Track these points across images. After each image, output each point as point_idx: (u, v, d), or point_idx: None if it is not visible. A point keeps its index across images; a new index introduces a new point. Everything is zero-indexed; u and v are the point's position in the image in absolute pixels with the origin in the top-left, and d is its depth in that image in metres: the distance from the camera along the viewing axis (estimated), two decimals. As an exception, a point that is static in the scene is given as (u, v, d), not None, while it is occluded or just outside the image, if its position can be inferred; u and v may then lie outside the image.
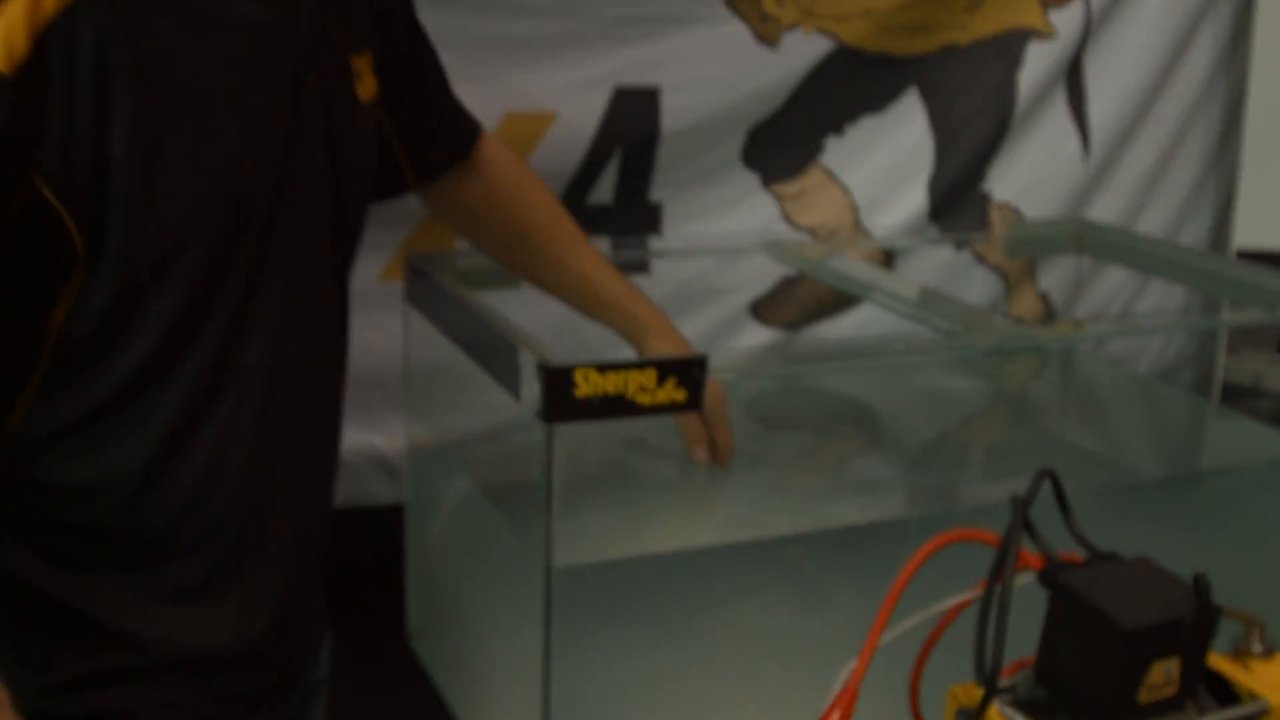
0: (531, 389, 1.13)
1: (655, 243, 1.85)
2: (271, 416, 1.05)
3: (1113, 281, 2.17)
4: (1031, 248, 2.05)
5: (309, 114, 1.03)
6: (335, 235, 1.11)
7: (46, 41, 0.86)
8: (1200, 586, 0.80)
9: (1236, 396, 2.23)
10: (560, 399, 1.11)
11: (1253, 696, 0.82)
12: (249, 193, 0.99)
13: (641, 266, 1.82)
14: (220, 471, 1.03)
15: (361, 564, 1.67)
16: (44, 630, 1.03)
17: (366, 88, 1.13)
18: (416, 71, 1.29)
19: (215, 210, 0.96)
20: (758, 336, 1.95)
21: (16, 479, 1.00)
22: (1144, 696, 0.78)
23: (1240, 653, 0.87)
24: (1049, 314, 2.15)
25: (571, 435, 1.14)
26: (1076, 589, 0.81)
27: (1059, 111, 2.08)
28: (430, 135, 1.33)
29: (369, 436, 1.73)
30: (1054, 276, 2.14)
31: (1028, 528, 0.85)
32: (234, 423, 1.03)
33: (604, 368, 1.11)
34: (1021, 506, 0.84)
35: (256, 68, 0.99)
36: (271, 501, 1.08)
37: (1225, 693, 0.83)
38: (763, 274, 1.92)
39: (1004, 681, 0.83)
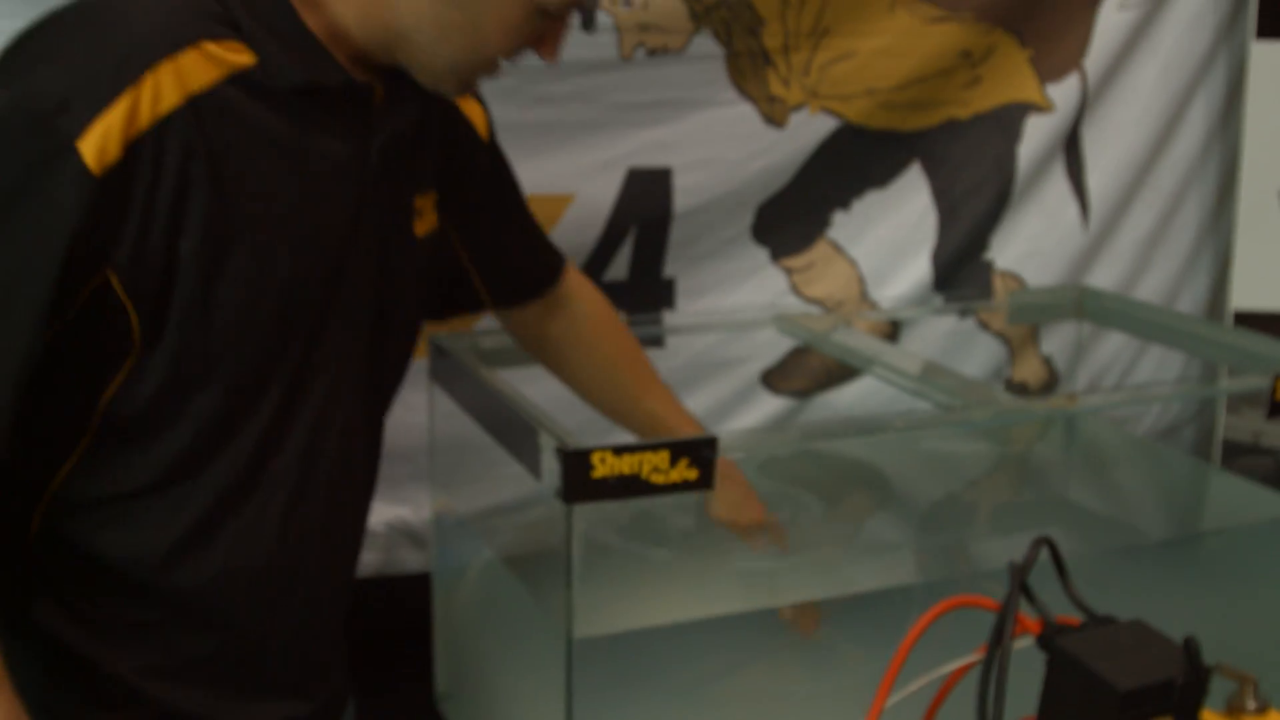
0: (551, 469, 1.17)
1: (669, 318, 1.89)
2: (298, 516, 1.10)
3: (1114, 345, 2.20)
4: (1033, 314, 2.08)
5: (364, 245, 1.09)
6: (375, 358, 1.15)
7: (137, 150, 0.92)
8: (1190, 649, 0.84)
9: (1237, 454, 2.24)
10: (578, 480, 1.14)
11: (1245, 753, 0.85)
12: (298, 310, 1.04)
13: (657, 341, 1.86)
14: (242, 562, 1.08)
15: (392, 629, 1.70)
16: (65, 682, 1.06)
17: (425, 223, 1.18)
18: (495, 206, 1.33)
19: (264, 322, 1.02)
20: (770, 405, 1.99)
21: (50, 534, 1.04)
22: (1139, 754, 0.81)
23: (1234, 710, 0.90)
24: (1053, 377, 2.17)
25: (590, 508, 1.17)
26: (1073, 652, 0.84)
27: (1058, 181, 2.12)
28: (508, 266, 1.37)
29: (397, 508, 1.78)
30: (1056, 341, 2.17)
31: (1026, 593, 0.89)
32: (261, 519, 1.07)
33: (620, 450, 1.14)
34: (1018, 574, 0.88)
35: (322, 198, 1.04)
36: (289, 591, 1.12)
37: (1218, 749, 0.87)
38: (773, 345, 1.96)
39: (1005, 742, 0.87)
